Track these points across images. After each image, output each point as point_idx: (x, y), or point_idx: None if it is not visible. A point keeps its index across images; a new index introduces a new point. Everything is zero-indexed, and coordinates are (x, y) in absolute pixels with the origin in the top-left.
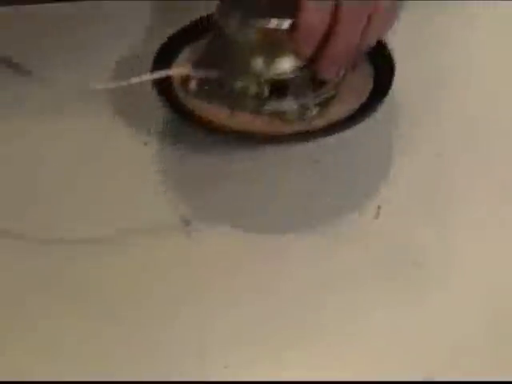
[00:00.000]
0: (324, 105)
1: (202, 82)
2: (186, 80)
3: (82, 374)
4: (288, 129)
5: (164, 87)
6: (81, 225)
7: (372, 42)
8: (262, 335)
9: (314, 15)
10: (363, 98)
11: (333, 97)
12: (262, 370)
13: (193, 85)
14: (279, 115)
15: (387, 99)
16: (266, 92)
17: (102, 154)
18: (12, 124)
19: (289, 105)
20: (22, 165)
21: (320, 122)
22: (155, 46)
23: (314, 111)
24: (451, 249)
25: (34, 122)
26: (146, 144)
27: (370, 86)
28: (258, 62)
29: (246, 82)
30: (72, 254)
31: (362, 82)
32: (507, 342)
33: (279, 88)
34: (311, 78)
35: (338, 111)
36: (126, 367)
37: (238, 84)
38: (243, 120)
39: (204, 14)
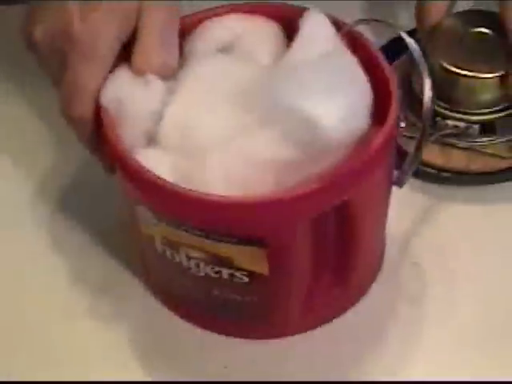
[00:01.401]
0: None
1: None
2: None
3: None
4: (504, 164)
5: None
6: None
7: None
8: None
9: None
10: None
11: None
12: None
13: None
14: (490, 152)
15: None
16: (477, 130)
17: None
18: None
19: (499, 141)
20: None
21: None
22: None
23: None
24: None
25: None
26: None
27: None
28: (470, 103)
29: (457, 121)
30: None
31: None
32: None
33: (489, 126)
34: None
35: None
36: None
37: (449, 123)
38: (456, 158)
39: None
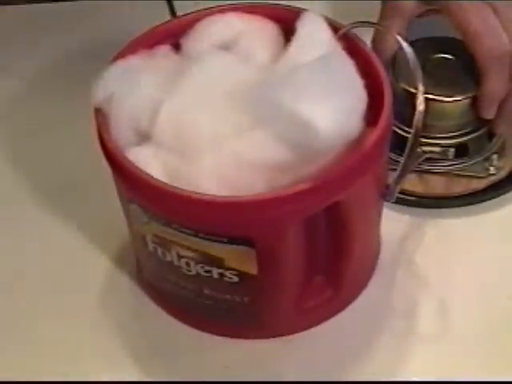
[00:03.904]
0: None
1: None
2: None
3: None
4: (480, 184)
5: None
6: None
7: None
8: None
9: (497, 85)
10: None
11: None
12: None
13: None
14: (468, 174)
15: None
16: (451, 154)
17: None
18: None
19: (474, 162)
20: None
21: (503, 173)
22: None
23: (497, 162)
24: None
25: None
26: None
27: None
28: (442, 127)
29: (432, 146)
30: None
31: None
32: None
33: (463, 148)
34: (487, 134)
35: (511, 160)
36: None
37: (425, 149)
38: (436, 184)
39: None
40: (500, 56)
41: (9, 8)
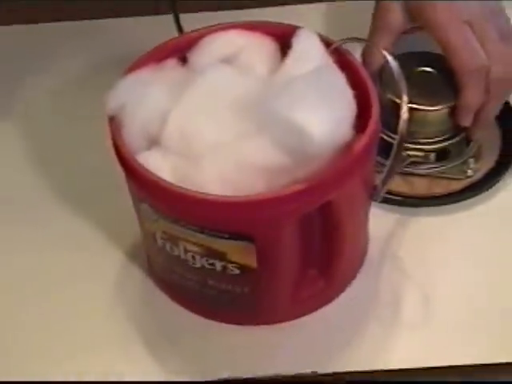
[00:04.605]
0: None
1: None
2: None
3: None
4: (458, 185)
5: None
6: None
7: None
8: None
9: (474, 97)
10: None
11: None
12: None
13: None
14: (447, 176)
15: None
16: (433, 158)
17: None
18: None
19: (453, 165)
20: None
21: (479, 175)
22: None
23: (474, 165)
24: None
25: None
26: None
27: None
28: (425, 133)
29: (416, 151)
30: None
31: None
32: None
33: (443, 153)
34: (465, 139)
35: (486, 162)
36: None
37: (410, 153)
38: (419, 185)
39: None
40: (477, 70)
41: (35, 26)
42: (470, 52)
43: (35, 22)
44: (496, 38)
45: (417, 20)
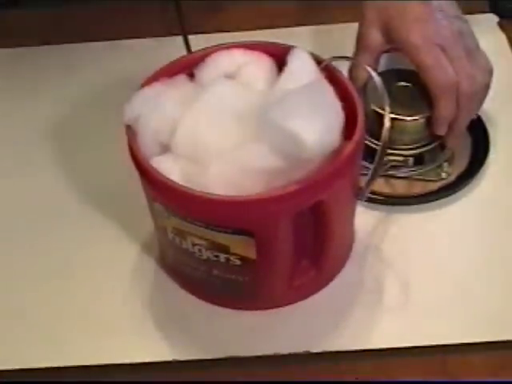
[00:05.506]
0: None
1: None
2: None
3: None
4: (434, 186)
5: None
6: None
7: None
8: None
9: (447, 109)
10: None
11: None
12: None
13: None
14: (424, 178)
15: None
16: (411, 162)
17: None
18: None
19: (429, 169)
20: None
21: (452, 177)
22: None
23: (447, 169)
24: None
25: None
26: None
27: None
28: (404, 141)
29: (396, 156)
30: None
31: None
32: None
33: (420, 158)
34: (440, 146)
35: (458, 166)
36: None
37: (390, 158)
38: (399, 186)
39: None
40: (448, 86)
41: (46, 48)
42: (440, 70)
43: (61, 42)
44: (463, 57)
45: (394, 42)
